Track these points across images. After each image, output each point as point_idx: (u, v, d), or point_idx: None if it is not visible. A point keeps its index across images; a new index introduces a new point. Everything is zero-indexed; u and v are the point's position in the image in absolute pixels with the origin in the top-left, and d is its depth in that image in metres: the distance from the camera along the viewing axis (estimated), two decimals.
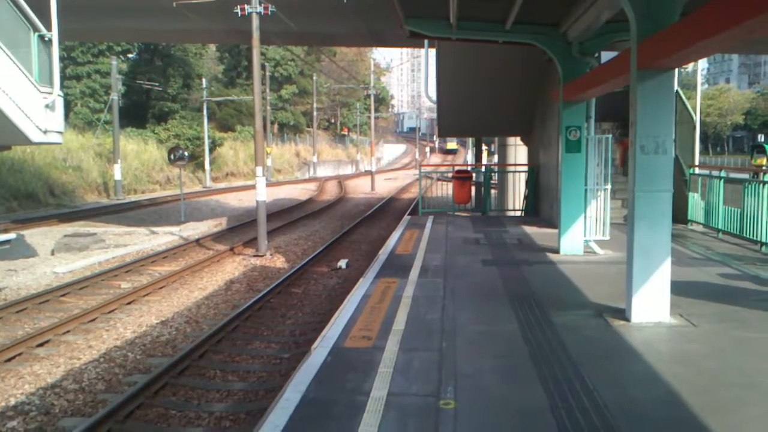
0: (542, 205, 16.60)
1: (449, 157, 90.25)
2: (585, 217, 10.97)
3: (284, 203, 34.01)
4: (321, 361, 5.59)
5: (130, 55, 50.59)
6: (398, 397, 4.77)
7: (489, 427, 4.31)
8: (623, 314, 6.84)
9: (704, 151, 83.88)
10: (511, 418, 4.45)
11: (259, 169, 18.82)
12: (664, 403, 4.65)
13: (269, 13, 18.31)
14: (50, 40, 14.41)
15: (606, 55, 11.85)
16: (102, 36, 34.56)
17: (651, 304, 6.65)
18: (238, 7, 18.37)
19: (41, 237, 20.31)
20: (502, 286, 8.58)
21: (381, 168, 79.79)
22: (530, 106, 17.01)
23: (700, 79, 23.46)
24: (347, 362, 5.56)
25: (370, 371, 5.30)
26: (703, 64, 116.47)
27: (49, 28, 14.35)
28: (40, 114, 14.04)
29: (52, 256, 17.88)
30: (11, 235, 13.50)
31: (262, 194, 18.78)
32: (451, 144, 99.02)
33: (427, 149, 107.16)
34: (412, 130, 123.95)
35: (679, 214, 14.03)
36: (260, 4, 18.15)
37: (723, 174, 12.83)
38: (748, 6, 4.47)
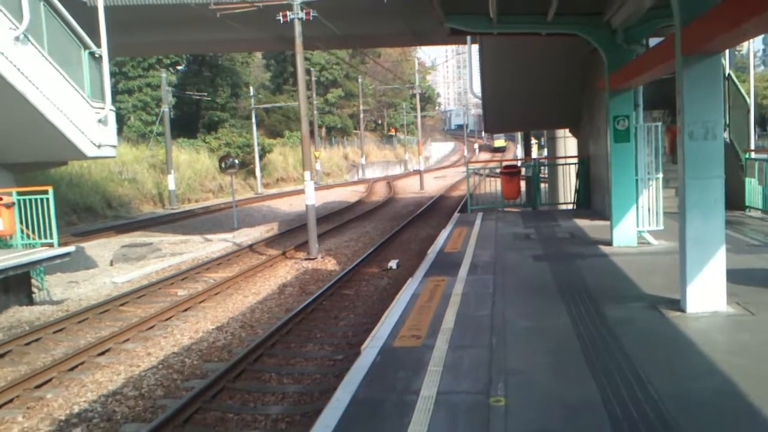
0: (594, 198, 16.33)
1: (498, 155, 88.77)
2: (637, 208, 10.75)
3: (334, 206, 34.26)
4: (371, 361, 5.61)
5: (179, 67, 51.61)
6: (448, 396, 4.76)
7: (540, 422, 4.27)
8: (678, 305, 6.69)
9: (763, 134, 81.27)
10: (563, 413, 4.39)
11: (307, 174, 18.99)
12: (720, 395, 4.54)
13: (311, 18, 18.47)
14: (100, 57, 14.84)
15: (655, 42, 11.60)
16: (151, 50, 35.36)
17: (706, 294, 6.48)
18: (280, 14, 18.57)
19: (100, 248, 20.89)
20: (552, 281, 8.48)
21: (429, 167, 79.67)
22: (577, 97, 16.76)
23: (753, 61, 22.74)
24: (397, 361, 5.57)
25: (419, 370, 5.30)
26: (758, 44, 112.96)
27: (99, 44, 14.77)
28: (93, 129, 14.46)
29: (110, 267, 18.37)
30: (71, 248, 13.90)
31: (311, 198, 18.95)
32: (499, 141, 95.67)
33: (476, 146, 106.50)
34: (460, 127, 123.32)
35: (736, 201, 13.65)
36: (302, 9, 18.32)
37: None
38: None
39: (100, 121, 14.74)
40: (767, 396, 4.43)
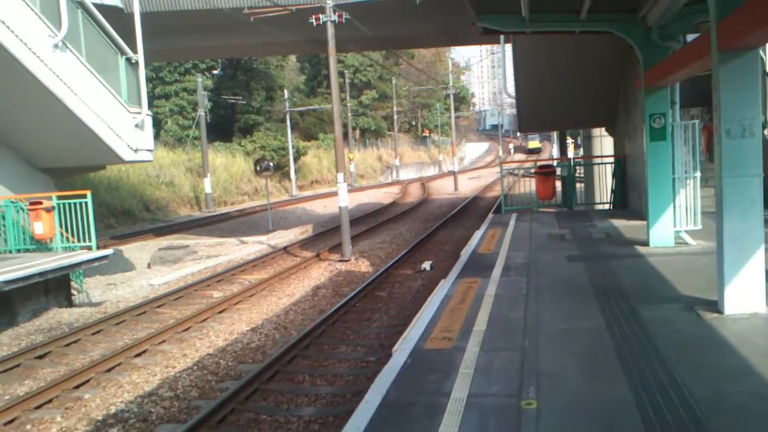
0: (631, 197, 16.11)
1: (532, 157, 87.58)
2: (674, 207, 10.58)
3: (368, 208, 34.31)
4: (402, 363, 5.60)
5: (214, 72, 52.17)
6: (479, 398, 4.72)
7: (572, 426, 4.22)
8: (715, 306, 6.55)
9: None
10: (595, 416, 4.33)
11: (340, 176, 19.05)
12: (758, 398, 4.43)
13: (343, 20, 18.52)
14: (137, 62, 15.09)
15: (692, 39, 11.41)
16: (186, 54, 35.82)
17: (745, 295, 6.34)
18: (313, 17, 18.66)
19: (138, 251, 21.20)
20: (587, 282, 8.37)
21: (464, 168, 79.32)
22: (612, 95, 16.55)
23: None
24: (428, 364, 5.55)
25: (450, 372, 5.27)
26: None
27: (135, 50, 15.01)
28: (130, 134, 14.71)
29: (148, 269, 18.64)
30: (109, 251, 14.16)
31: (345, 200, 18.99)
32: (533, 143, 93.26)
33: (511, 146, 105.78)
34: (495, 127, 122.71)
35: None
36: (334, 12, 18.39)
37: None
38: None
39: (137, 125, 14.99)
40: None
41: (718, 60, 6.27)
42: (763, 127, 13.72)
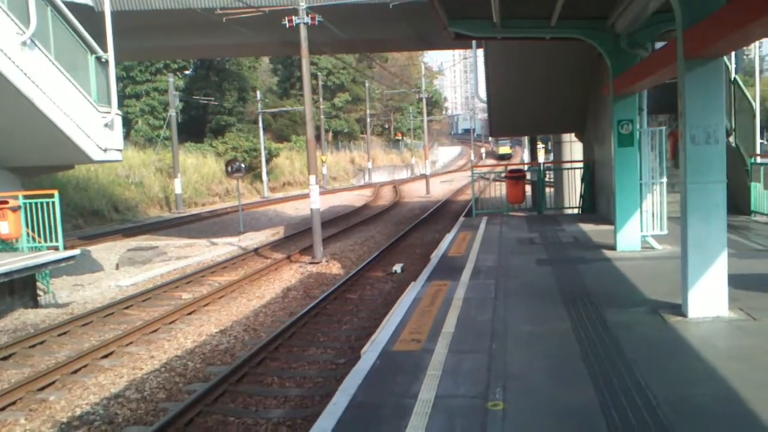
0: (599, 202, 16.31)
1: (504, 162, 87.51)
2: (641, 212, 10.74)
3: (340, 210, 34.28)
4: (370, 365, 5.62)
5: (186, 72, 51.75)
6: (446, 400, 4.75)
7: (537, 427, 4.27)
8: (680, 310, 6.67)
9: None
10: (560, 418, 4.38)
11: (312, 178, 19.02)
12: (720, 401, 4.51)
13: (316, 23, 18.50)
14: (107, 61, 14.92)
15: (659, 47, 11.59)
16: (158, 54, 35.54)
17: (708, 299, 6.46)
18: (286, 18, 18.62)
19: (106, 252, 20.95)
20: (555, 286, 8.46)
21: (436, 171, 79.54)
22: (582, 102, 16.74)
23: (758, 66, 22.67)
24: (396, 366, 5.57)
25: (418, 374, 5.30)
26: (766, 49, 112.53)
27: (105, 49, 14.85)
28: (99, 133, 14.54)
29: (116, 270, 18.44)
30: (76, 251, 13.96)
31: (316, 202, 18.97)
32: (504, 148, 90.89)
33: (483, 150, 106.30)
34: (467, 131, 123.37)
35: (742, 205, 13.60)
36: (307, 14, 18.37)
37: None
38: None
39: (106, 125, 14.82)
40: (767, 402, 4.40)
41: (684, 68, 6.39)
42: (727, 135, 14.00)
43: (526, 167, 21.26)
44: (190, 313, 12.61)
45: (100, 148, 14.57)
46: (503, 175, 19.59)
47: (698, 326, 6.23)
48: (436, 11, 10.21)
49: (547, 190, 21.30)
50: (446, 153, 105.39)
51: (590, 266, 9.70)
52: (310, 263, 17.98)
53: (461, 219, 17.40)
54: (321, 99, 57.86)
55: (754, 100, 14.86)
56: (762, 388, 4.66)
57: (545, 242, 12.30)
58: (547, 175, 21.50)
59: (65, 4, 13.97)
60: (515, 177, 17.78)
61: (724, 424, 4.20)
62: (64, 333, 11.38)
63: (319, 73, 60.20)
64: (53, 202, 13.76)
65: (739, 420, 4.22)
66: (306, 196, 28.04)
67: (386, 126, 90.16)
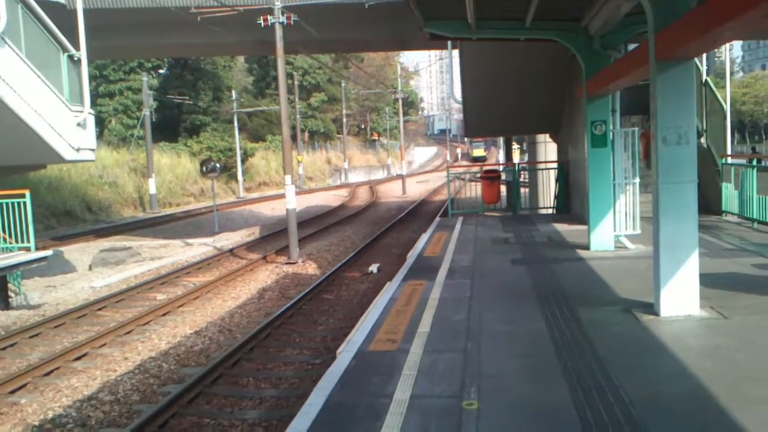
0: (573, 202, 16.43)
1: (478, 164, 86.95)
2: (614, 212, 10.85)
3: (316, 210, 34.22)
4: (346, 365, 5.62)
5: (160, 71, 51.37)
6: (421, 399, 4.77)
7: (511, 426, 4.30)
8: (652, 309, 6.75)
9: (741, 140, 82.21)
10: (534, 416, 4.42)
11: (287, 178, 18.96)
12: (691, 398, 4.58)
13: (292, 22, 18.45)
14: (79, 60, 14.73)
15: (632, 49, 11.71)
16: (131, 53, 35.20)
17: (680, 298, 6.54)
18: (262, 18, 18.55)
19: (79, 253, 20.71)
20: (530, 285, 8.52)
21: (412, 171, 79.66)
22: (557, 102, 16.85)
23: (730, 68, 23.03)
24: (372, 366, 5.58)
25: (394, 374, 5.31)
26: (737, 51, 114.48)
27: (78, 47, 14.66)
28: (72, 132, 14.34)
29: (89, 271, 18.23)
30: (48, 252, 13.78)
31: (292, 202, 18.92)
32: (478, 151, 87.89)
33: (458, 151, 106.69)
34: (443, 131, 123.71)
35: (713, 206, 13.78)
36: (283, 14, 18.31)
37: (755, 163, 12.57)
38: None
39: (79, 124, 14.62)
40: (737, 400, 4.48)
41: (656, 69, 6.46)
42: (699, 136, 14.18)
43: (501, 168, 21.36)
44: (164, 315, 12.51)
45: (73, 147, 14.36)
46: (479, 175, 19.69)
47: (670, 325, 6.31)
48: (411, 12, 10.23)
49: (522, 190, 21.42)
50: (422, 153, 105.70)
51: (564, 266, 9.77)
52: (286, 264, 17.93)
53: (437, 219, 17.45)
54: (297, 99, 57.69)
55: (725, 102, 15.06)
56: (732, 386, 4.73)
57: (520, 242, 12.38)
58: (522, 176, 21.62)
59: (37, 1, 13.77)
60: (490, 177, 17.88)
61: (696, 421, 4.26)
62: (36, 335, 11.23)
63: (294, 73, 60.00)
64: (24, 202, 13.57)
65: (710, 417, 4.28)
66: (282, 196, 27.96)
67: (362, 126, 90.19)
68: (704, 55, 15.45)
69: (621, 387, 4.80)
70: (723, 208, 13.63)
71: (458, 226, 15.15)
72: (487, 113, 18.38)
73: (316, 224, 27.40)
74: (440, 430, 4.25)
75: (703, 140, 14.54)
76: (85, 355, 10.12)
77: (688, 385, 4.81)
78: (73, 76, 14.77)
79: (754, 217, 12.33)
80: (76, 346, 10.21)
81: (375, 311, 7.46)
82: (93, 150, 15.53)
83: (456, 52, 17.76)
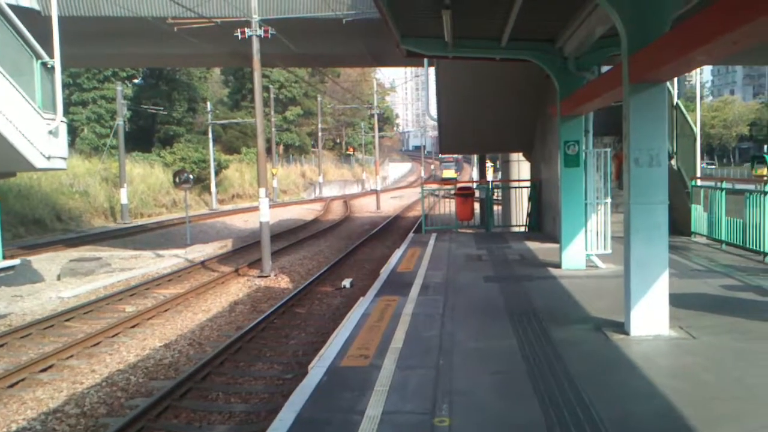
0: (545, 221, 16.57)
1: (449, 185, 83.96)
2: (586, 232, 10.96)
3: (289, 224, 34.08)
4: (317, 380, 5.58)
5: (135, 81, 50.99)
6: (393, 416, 4.75)
7: None
8: (622, 328, 6.81)
9: (710, 163, 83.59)
10: None
11: (262, 191, 18.90)
12: (661, 417, 4.62)
13: (269, 35, 18.46)
14: (53, 67, 14.56)
15: (606, 71, 11.89)
16: (106, 62, 34.93)
17: (650, 317, 6.62)
18: (239, 30, 18.53)
19: (48, 262, 20.40)
20: (502, 303, 8.56)
21: (387, 187, 79.81)
22: (531, 122, 17.04)
23: (699, 92, 23.49)
24: (343, 381, 5.55)
25: (365, 390, 5.29)
26: (707, 76, 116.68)
27: (52, 55, 14.51)
28: (43, 140, 14.15)
29: (57, 281, 17.95)
30: (16, 261, 13.58)
31: (266, 215, 18.83)
32: (448, 171, 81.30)
33: (432, 167, 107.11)
34: (418, 148, 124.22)
35: (683, 227, 13.98)
36: (260, 27, 18.31)
37: (725, 185, 12.80)
38: (731, 18, 4.51)
39: (50, 132, 14.44)
40: (705, 419, 4.53)
41: (629, 91, 6.57)
42: (669, 158, 14.40)
43: (475, 185, 21.49)
44: (133, 326, 12.36)
45: (44, 155, 14.17)
46: (453, 192, 19.78)
47: (640, 344, 6.37)
48: (389, 28, 10.29)
49: (496, 208, 21.55)
50: (397, 169, 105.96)
51: (536, 284, 9.84)
52: (259, 277, 17.82)
53: (411, 235, 17.47)
54: (272, 112, 57.59)
55: (695, 125, 15.34)
56: (701, 405, 4.79)
57: (493, 259, 12.44)
58: (496, 193, 21.75)
59: (10, 7, 13.62)
60: (464, 194, 17.98)
61: None
62: (1, 345, 11.03)
63: (271, 86, 59.95)
64: None
65: None
66: (255, 208, 27.81)
67: (338, 141, 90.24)
68: (675, 79, 15.74)
69: (591, 405, 4.83)
70: (692, 230, 13.83)
71: (432, 242, 15.19)
72: (462, 131, 18.50)
73: (290, 238, 27.29)
74: None
75: (673, 162, 14.77)
76: (51, 366, 9.95)
77: (658, 404, 4.85)
78: (46, 84, 14.59)
79: (723, 238, 12.53)
80: (42, 358, 10.04)
81: (347, 326, 7.43)
82: (64, 158, 15.33)
83: (432, 70, 17.87)
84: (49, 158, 14.27)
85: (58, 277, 18.62)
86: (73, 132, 43.29)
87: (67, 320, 12.77)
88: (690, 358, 5.94)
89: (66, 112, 15.18)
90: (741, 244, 11.82)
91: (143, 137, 50.92)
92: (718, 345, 6.29)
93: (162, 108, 49.47)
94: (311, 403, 5.09)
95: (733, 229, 12.20)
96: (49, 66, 14.56)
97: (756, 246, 11.19)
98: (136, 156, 44.68)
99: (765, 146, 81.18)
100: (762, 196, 10.91)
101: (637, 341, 6.47)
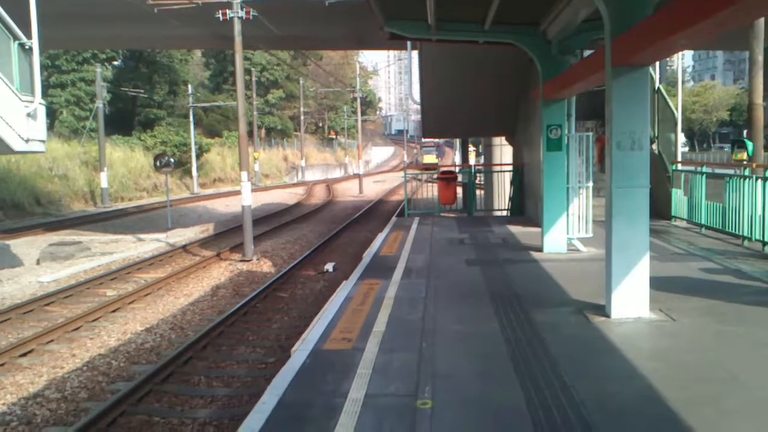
0: (527, 205, 16.63)
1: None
2: (567, 216, 11.01)
3: (272, 208, 33.97)
4: (300, 364, 5.58)
5: (115, 63, 50.33)
6: (376, 398, 4.76)
7: (465, 425, 4.31)
8: (603, 311, 6.86)
9: (691, 148, 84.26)
10: (487, 416, 4.45)
11: (244, 174, 18.80)
12: (641, 399, 4.66)
13: (251, 17, 18.28)
14: (31, 49, 14.35)
15: (588, 54, 11.89)
16: (85, 43, 34.46)
17: (630, 300, 6.67)
18: (220, 11, 18.33)
19: (27, 246, 20.20)
20: (484, 286, 8.58)
21: (369, 171, 79.78)
22: (514, 106, 17.05)
23: (681, 77, 23.61)
24: (326, 364, 5.55)
25: (348, 373, 5.29)
26: (688, 61, 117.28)
27: (29, 36, 14.29)
28: (21, 123, 13.97)
29: (37, 266, 17.79)
30: None
31: (248, 199, 18.75)
32: (429, 157, 78.84)
33: (415, 151, 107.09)
34: (401, 132, 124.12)
35: (663, 211, 14.09)
36: (242, 8, 18.12)
37: (705, 170, 12.89)
38: (714, 1, 4.51)
39: (28, 114, 14.25)
40: (685, 401, 4.57)
41: (612, 75, 6.58)
42: (651, 142, 14.48)
43: (457, 169, 21.51)
44: (114, 311, 12.28)
45: (22, 138, 13.99)
46: (435, 176, 19.79)
47: (621, 326, 6.42)
48: (372, 10, 10.22)
49: (478, 192, 21.61)
50: (380, 153, 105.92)
51: (518, 267, 9.88)
52: (241, 261, 17.76)
53: (394, 219, 17.47)
54: (254, 95, 57.23)
55: (676, 110, 15.41)
56: (680, 387, 4.83)
57: (475, 243, 12.47)
58: (478, 178, 21.81)
59: None
60: (447, 179, 17.98)
61: (644, 421, 4.33)
62: None
63: (252, 69, 59.52)
64: None
65: (657, 416, 4.36)
66: (237, 193, 27.68)
67: (320, 124, 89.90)
68: (657, 63, 15.80)
69: (572, 387, 4.87)
70: (672, 213, 13.94)
71: (414, 226, 15.20)
72: (445, 114, 18.48)
73: (272, 222, 27.21)
74: (394, 429, 4.25)
75: (654, 147, 14.85)
76: (31, 351, 9.87)
77: (639, 385, 4.89)
78: (23, 65, 14.38)
79: (702, 222, 12.64)
80: (21, 342, 9.96)
81: (330, 310, 7.43)
82: (43, 141, 15.16)
83: (415, 53, 17.81)
84: (27, 141, 14.10)
85: (38, 262, 18.45)
86: (51, 115, 42.70)
87: (46, 305, 12.66)
88: (670, 340, 6.00)
89: (44, 95, 14.97)
90: (720, 228, 11.92)
91: (123, 120, 50.34)
92: (698, 327, 6.35)
93: (142, 91, 48.94)
94: (294, 386, 5.08)
95: (713, 213, 12.30)
96: (26, 47, 14.34)
97: (735, 230, 11.30)
98: (117, 139, 44.23)
99: (745, 131, 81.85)
100: (741, 180, 11.00)
101: (617, 323, 6.52)
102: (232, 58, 22.45)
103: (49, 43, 22.18)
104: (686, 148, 79.28)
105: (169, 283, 14.78)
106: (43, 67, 14.50)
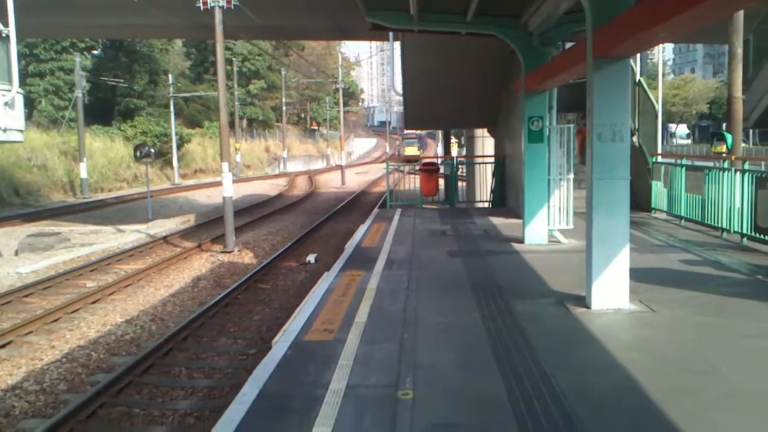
0: (509, 196, 16.69)
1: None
2: (549, 207, 11.06)
3: (253, 199, 33.84)
4: (281, 355, 5.57)
5: (94, 52, 49.75)
6: (357, 389, 4.76)
7: (446, 415, 4.33)
8: (584, 302, 6.90)
9: (671, 140, 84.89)
10: (468, 406, 4.46)
11: (225, 165, 18.70)
12: (620, 389, 4.70)
13: (232, 6, 18.13)
14: (7, 37, 14.15)
15: (570, 46, 11.93)
16: (63, 32, 34.02)
17: (610, 291, 6.72)
18: (201, 1, 18.17)
19: (5, 237, 19.97)
20: (466, 277, 8.60)
21: (352, 162, 79.69)
22: (495, 98, 17.06)
23: (661, 69, 23.76)
24: (308, 356, 5.55)
25: (330, 364, 5.29)
26: (668, 54, 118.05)
27: (6, 24, 14.09)
28: None
29: (15, 257, 17.60)
30: None
31: (229, 190, 18.65)
32: (411, 149, 77.63)
33: (397, 143, 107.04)
34: (383, 123, 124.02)
35: (643, 203, 14.19)
36: None
37: (684, 162, 12.99)
38: None
39: (6, 103, 14.08)
40: (664, 391, 4.61)
41: (593, 67, 6.60)
42: (632, 134, 14.56)
43: (439, 161, 21.53)
44: (94, 302, 12.18)
45: (0, 127, 13.83)
46: (417, 168, 19.80)
47: (601, 317, 6.47)
48: (355, 1, 10.18)
49: (460, 183, 21.65)
50: (362, 144, 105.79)
51: (499, 259, 9.92)
52: (222, 252, 17.68)
53: (376, 210, 17.46)
54: (236, 85, 56.85)
55: (657, 102, 15.50)
56: (658, 377, 4.88)
57: (457, 234, 12.49)
58: (460, 169, 21.85)
59: None
60: (429, 170, 18.00)
61: (624, 410, 4.37)
62: None
63: (234, 59, 59.08)
64: None
65: (637, 406, 4.40)
66: (218, 183, 27.51)
67: (302, 115, 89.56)
68: (638, 56, 15.87)
69: (553, 377, 4.89)
70: (652, 205, 14.05)
71: (397, 217, 15.20)
72: (427, 106, 18.46)
73: (254, 213, 27.10)
74: (375, 420, 4.25)
75: (635, 139, 14.94)
76: (9, 343, 9.77)
77: (618, 376, 4.93)
78: (0, 54, 14.19)
79: (682, 214, 12.74)
80: (0, 334, 9.85)
81: (312, 301, 7.42)
82: (21, 131, 14.99)
83: (398, 44, 17.77)
84: (5, 131, 13.94)
85: (16, 253, 18.26)
86: (30, 104, 42.22)
87: (25, 296, 12.54)
88: (649, 331, 6.06)
89: (23, 84, 14.78)
90: (699, 219, 12.03)
91: (103, 110, 49.82)
92: (677, 318, 6.41)
93: (122, 80, 48.44)
94: (275, 377, 5.07)
95: (692, 206, 12.41)
96: (3, 35, 14.14)
97: (714, 222, 11.41)
98: (96, 129, 43.80)
99: (724, 124, 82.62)
100: (720, 173, 11.10)
101: (597, 315, 6.57)
102: (213, 47, 22.28)
103: (27, 31, 21.92)
104: (689, 141, 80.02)
105: (150, 274, 14.68)
106: (20, 56, 14.27)
